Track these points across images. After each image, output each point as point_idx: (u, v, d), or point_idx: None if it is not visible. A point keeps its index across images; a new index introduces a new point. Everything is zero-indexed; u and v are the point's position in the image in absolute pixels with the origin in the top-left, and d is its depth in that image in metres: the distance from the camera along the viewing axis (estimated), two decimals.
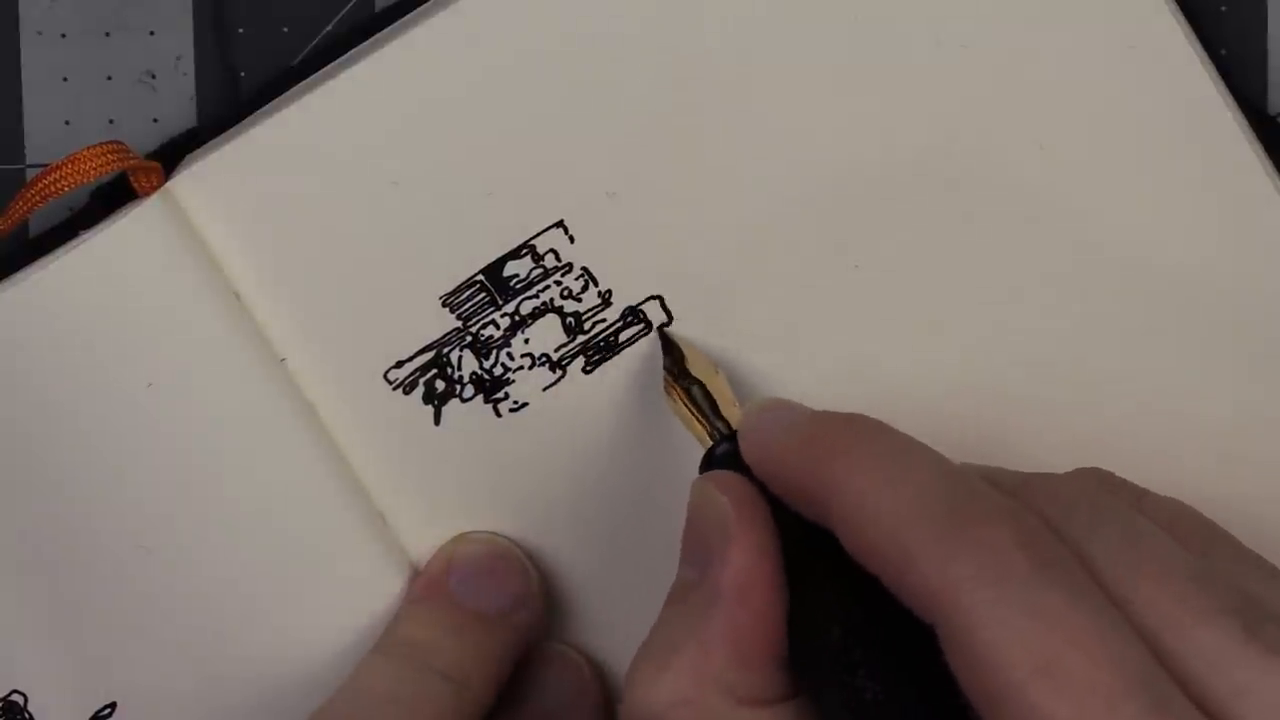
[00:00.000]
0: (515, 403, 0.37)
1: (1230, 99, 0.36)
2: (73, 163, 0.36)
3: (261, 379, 0.36)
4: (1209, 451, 0.37)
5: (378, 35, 0.38)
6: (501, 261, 0.37)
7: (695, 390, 0.35)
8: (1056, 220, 0.37)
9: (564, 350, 0.37)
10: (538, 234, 0.37)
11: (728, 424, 0.34)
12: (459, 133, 0.36)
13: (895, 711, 0.27)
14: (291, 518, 0.36)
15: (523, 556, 0.37)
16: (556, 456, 0.37)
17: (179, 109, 0.40)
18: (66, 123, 0.40)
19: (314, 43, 0.39)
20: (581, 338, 0.37)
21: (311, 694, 0.36)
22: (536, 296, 0.37)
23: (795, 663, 0.30)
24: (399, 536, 0.37)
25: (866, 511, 0.28)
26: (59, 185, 0.36)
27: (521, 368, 0.37)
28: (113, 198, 0.38)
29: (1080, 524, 0.28)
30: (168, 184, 0.37)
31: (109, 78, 0.40)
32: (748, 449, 0.32)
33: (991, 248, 0.37)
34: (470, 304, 0.37)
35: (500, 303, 0.37)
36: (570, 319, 0.37)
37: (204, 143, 0.38)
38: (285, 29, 0.39)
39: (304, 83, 0.38)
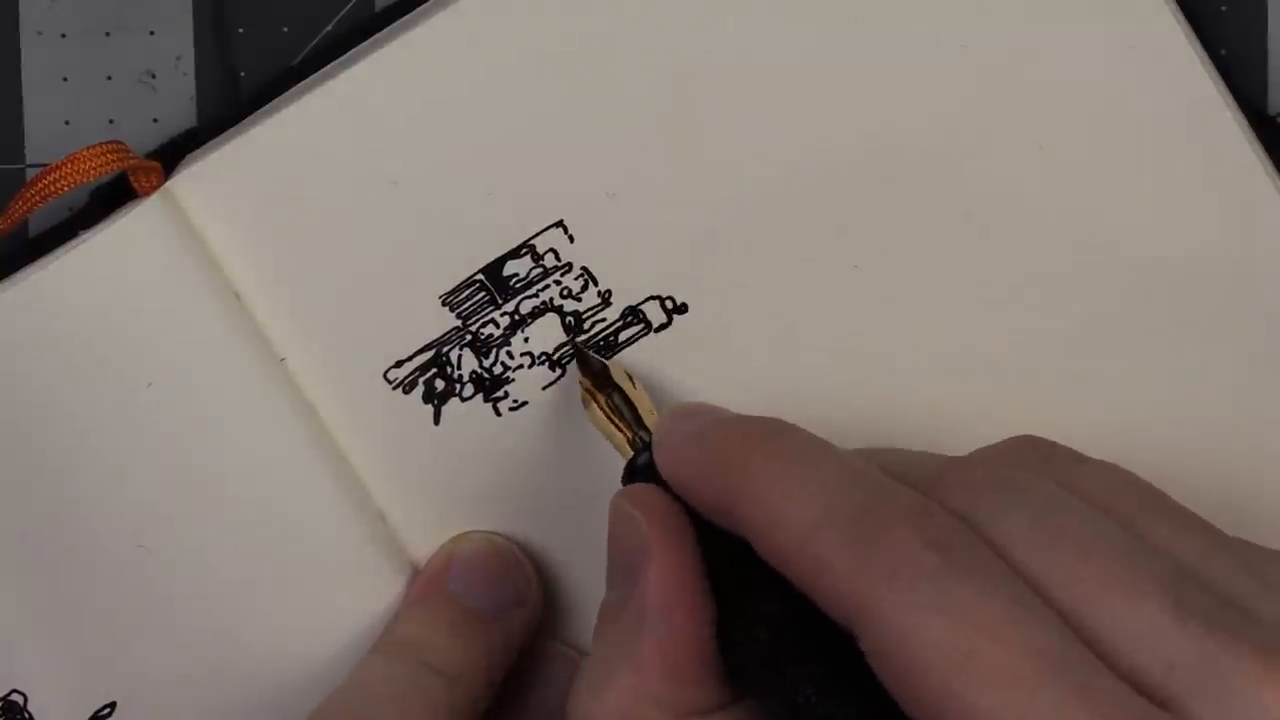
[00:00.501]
0: (515, 402, 0.37)
1: (1230, 99, 0.36)
2: (72, 163, 0.36)
3: (261, 379, 0.36)
4: (1209, 451, 0.37)
5: (378, 35, 0.38)
6: (501, 261, 0.37)
7: (615, 397, 0.35)
8: (1056, 220, 0.37)
9: (564, 349, 0.37)
10: (537, 234, 0.37)
11: (649, 432, 0.34)
12: (459, 133, 0.37)
13: (830, 710, 0.27)
14: (291, 517, 0.37)
15: (521, 556, 0.37)
16: (556, 455, 0.37)
17: (179, 109, 0.40)
18: (66, 123, 0.40)
19: (314, 43, 0.39)
20: (581, 337, 0.37)
21: (311, 693, 0.36)
22: (536, 296, 0.37)
23: (730, 669, 0.29)
24: (398, 536, 0.37)
25: (774, 522, 0.27)
26: (59, 185, 0.36)
27: (521, 367, 0.37)
28: (113, 198, 0.38)
29: (990, 509, 0.27)
30: (168, 184, 0.37)
31: (109, 78, 0.40)
32: (661, 461, 0.31)
33: (991, 247, 0.37)
34: (470, 303, 0.37)
35: (500, 302, 0.37)
36: (570, 318, 0.37)
37: (204, 143, 0.38)
38: (285, 29, 0.39)
39: (304, 83, 0.38)
